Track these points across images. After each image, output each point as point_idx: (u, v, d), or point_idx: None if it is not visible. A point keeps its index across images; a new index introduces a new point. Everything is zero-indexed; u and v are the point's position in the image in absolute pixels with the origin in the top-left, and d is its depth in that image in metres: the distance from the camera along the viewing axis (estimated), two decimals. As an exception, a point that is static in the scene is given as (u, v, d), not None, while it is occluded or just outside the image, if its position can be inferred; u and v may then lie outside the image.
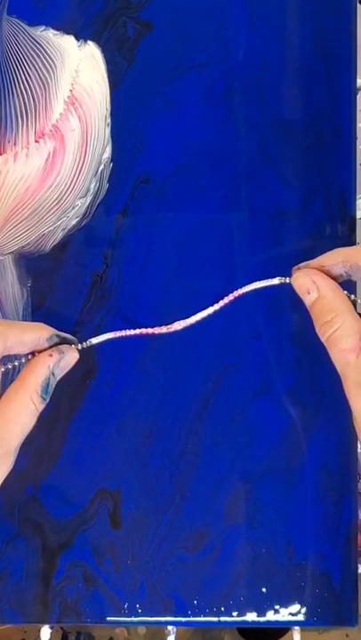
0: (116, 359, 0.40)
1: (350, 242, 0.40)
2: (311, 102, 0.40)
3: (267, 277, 0.39)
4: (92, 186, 0.40)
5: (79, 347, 0.34)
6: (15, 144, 0.39)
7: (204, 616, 0.39)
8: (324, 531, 0.39)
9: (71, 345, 0.34)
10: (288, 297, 0.39)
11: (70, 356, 0.33)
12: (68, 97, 0.39)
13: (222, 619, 0.39)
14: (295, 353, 0.40)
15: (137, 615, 0.39)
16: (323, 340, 0.31)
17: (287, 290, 0.39)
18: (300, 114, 0.40)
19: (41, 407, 0.32)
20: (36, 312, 0.40)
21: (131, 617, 0.39)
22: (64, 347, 0.33)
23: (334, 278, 0.32)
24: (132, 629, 0.51)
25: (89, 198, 0.40)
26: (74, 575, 0.39)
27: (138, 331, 0.39)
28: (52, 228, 0.39)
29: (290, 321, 0.40)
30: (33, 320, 0.40)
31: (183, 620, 0.39)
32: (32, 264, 0.40)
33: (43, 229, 0.39)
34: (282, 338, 0.40)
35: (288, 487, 0.39)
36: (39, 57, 0.39)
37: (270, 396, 0.39)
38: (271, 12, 0.40)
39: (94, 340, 0.35)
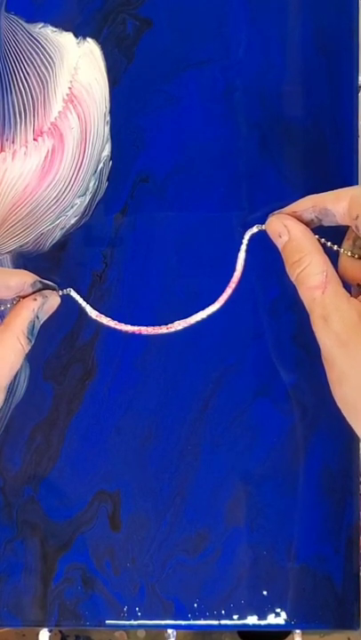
0: (115, 360, 0.39)
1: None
2: (312, 100, 0.39)
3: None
4: (91, 184, 0.39)
5: (60, 293, 0.36)
6: (13, 142, 0.38)
7: (205, 619, 0.39)
8: (326, 533, 0.39)
9: (53, 290, 0.36)
10: (289, 297, 0.39)
11: (53, 300, 0.35)
12: (67, 94, 0.39)
13: (223, 622, 0.39)
14: (296, 353, 0.39)
15: (136, 618, 0.39)
16: (292, 279, 0.32)
17: (288, 290, 0.39)
18: (302, 112, 0.39)
19: (27, 347, 0.34)
20: (35, 312, 0.39)
21: (130, 620, 0.39)
22: (47, 292, 0.35)
23: (307, 224, 0.33)
24: (132, 633, 0.50)
25: (88, 197, 0.39)
26: (73, 578, 0.39)
27: (137, 328, 0.39)
28: (50, 226, 0.39)
29: (291, 321, 0.39)
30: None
31: (183, 623, 0.39)
32: (31, 263, 0.40)
33: (41, 228, 0.39)
34: (283, 338, 0.39)
35: (289, 489, 0.39)
36: (38, 54, 0.39)
37: (271, 397, 0.39)
38: (272, 8, 0.39)
39: (73, 293, 0.37)
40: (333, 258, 0.32)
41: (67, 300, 0.39)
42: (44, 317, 0.35)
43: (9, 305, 0.34)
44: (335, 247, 0.33)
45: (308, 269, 0.32)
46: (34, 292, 0.34)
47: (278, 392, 0.39)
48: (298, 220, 0.33)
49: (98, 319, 0.39)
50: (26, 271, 0.35)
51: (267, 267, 0.39)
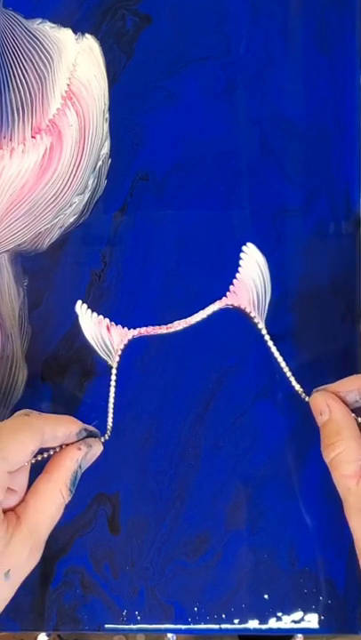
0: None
1: (354, 240, 0.39)
2: (314, 97, 0.39)
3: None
4: (90, 182, 0.39)
5: (102, 439, 0.36)
6: (11, 140, 0.38)
7: (205, 623, 0.38)
8: (328, 536, 0.38)
9: (96, 437, 0.36)
10: (291, 297, 0.39)
11: (97, 449, 0.35)
12: (66, 91, 0.38)
13: (223, 626, 0.38)
14: (298, 354, 0.39)
15: (136, 622, 0.38)
16: (326, 461, 0.33)
17: (289, 290, 0.39)
18: (303, 109, 0.39)
19: (68, 499, 0.34)
20: (33, 312, 0.39)
21: (129, 624, 0.38)
22: (91, 440, 0.35)
23: (350, 403, 0.34)
24: (131, 637, 0.50)
25: (87, 195, 0.39)
26: (71, 581, 0.38)
27: (137, 331, 0.39)
28: (48, 225, 0.39)
29: (292, 321, 0.39)
30: (30, 320, 0.39)
31: (183, 627, 0.38)
32: (29, 263, 0.39)
33: (39, 227, 0.39)
34: (284, 339, 0.39)
35: (291, 491, 0.38)
36: (36, 50, 0.38)
37: (272, 399, 0.39)
38: (273, 4, 0.39)
39: (110, 421, 0.38)
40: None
41: (66, 302, 0.39)
42: (86, 466, 0.35)
43: (51, 451, 0.34)
44: None
45: (343, 456, 0.32)
46: (78, 440, 0.34)
47: (279, 393, 0.39)
48: (342, 399, 0.34)
49: (98, 324, 0.38)
50: (71, 418, 0.35)
51: (268, 267, 0.39)
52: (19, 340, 0.39)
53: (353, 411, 0.34)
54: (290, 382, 0.38)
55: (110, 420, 0.38)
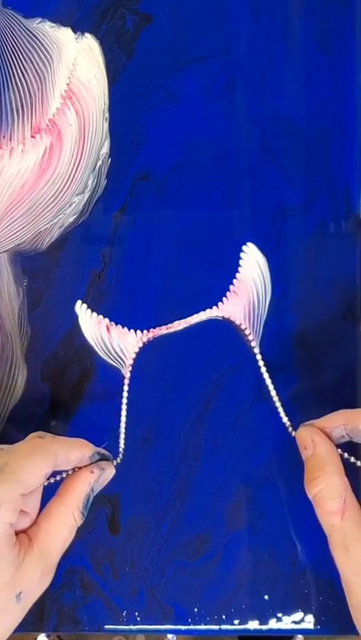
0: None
1: (354, 240, 0.39)
2: (314, 96, 0.39)
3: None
4: (90, 182, 0.39)
5: (115, 462, 0.36)
6: (11, 139, 0.38)
7: (205, 624, 0.38)
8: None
9: (108, 460, 0.35)
10: (291, 297, 0.39)
11: (109, 472, 0.35)
12: (65, 91, 0.38)
13: (223, 627, 0.38)
14: (298, 354, 0.39)
15: (136, 623, 0.38)
16: (309, 496, 0.33)
17: (289, 290, 0.39)
18: (304, 108, 0.39)
19: (80, 522, 0.33)
20: (33, 312, 0.39)
21: (129, 625, 0.38)
22: (103, 463, 0.35)
23: (336, 439, 0.34)
24: (131, 638, 0.50)
25: (86, 195, 0.39)
26: (71, 582, 0.38)
27: (139, 338, 0.38)
28: (48, 225, 0.39)
29: (292, 321, 0.39)
30: (30, 320, 0.39)
31: (183, 628, 0.38)
32: (28, 262, 0.39)
33: (39, 227, 0.39)
34: (284, 339, 0.39)
35: (291, 492, 0.38)
36: (35, 50, 0.38)
37: (272, 399, 0.38)
38: (273, 4, 0.39)
39: (122, 443, 0.38)
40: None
41: (65, 301, 0.39)
42: (98, 489, 0.35)
43: (64, 474, 0.34)
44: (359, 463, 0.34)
45: (326, 492, 0.32)
46: (91, 463, 0.34)
47: (279, 394, 0.39)
48: (328, 435, 0.34)
49: (98, 324, 0.38)
50: (84, 441, 0.34)
51: (268, 267, 0.38)
52: (18, 340, 0.39)
53: (339, 446, 0.34)
54: (279, 414, 0.37)
55: (122, 442, 0.38)
